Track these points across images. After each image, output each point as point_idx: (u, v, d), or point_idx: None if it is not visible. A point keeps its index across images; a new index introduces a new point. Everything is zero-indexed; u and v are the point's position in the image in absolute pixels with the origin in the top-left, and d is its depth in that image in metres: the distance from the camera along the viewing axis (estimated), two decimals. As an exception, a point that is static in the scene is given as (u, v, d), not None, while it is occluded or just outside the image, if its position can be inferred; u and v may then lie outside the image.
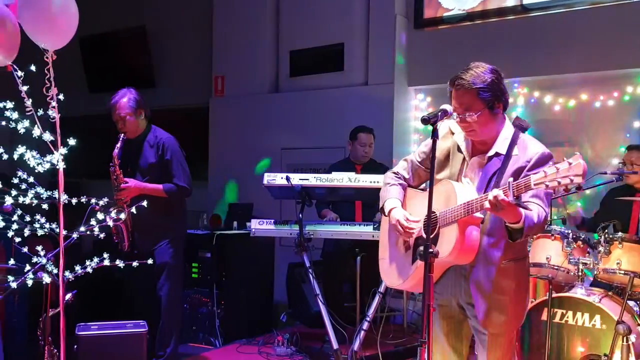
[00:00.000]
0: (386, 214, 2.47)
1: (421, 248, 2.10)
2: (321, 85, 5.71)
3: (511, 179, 2.02)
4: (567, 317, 3.34)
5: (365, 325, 3.78)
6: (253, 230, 4.11)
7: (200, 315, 4.82)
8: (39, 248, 2.61)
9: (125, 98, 3.75)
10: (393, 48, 5.36)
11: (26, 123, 2.31)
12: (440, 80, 5.11)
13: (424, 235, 2.21)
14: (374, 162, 4.72)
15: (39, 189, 2.44)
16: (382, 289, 3.79)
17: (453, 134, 2.39)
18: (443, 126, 2.38)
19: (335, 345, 3.72)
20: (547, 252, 3.53)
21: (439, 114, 2.19)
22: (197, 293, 4.88)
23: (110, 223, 2.65)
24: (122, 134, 3.71)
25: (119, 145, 3.65)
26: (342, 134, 4.94)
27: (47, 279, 2.36)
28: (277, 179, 3.97)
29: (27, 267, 2.38)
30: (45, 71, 2.30)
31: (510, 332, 2.37)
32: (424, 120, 2.17)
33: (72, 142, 2.34)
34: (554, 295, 3.37)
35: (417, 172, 2.56)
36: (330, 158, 5.12)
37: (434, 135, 2.17)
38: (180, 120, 6.39)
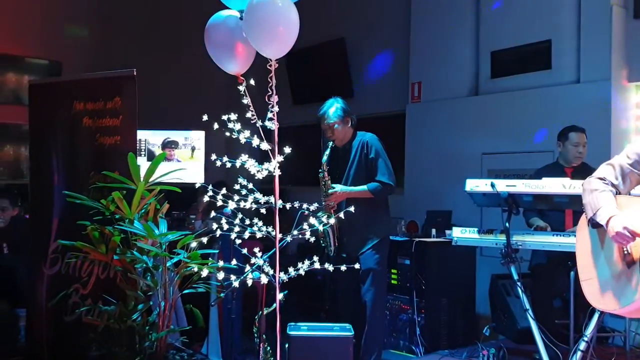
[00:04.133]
0: (603, 224, 2.19)
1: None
2: (526, 86, 5.38)
3: None
4: None
5: (583, 346, 3.45)
6: (455, 239, 3.99)
7: (400, 322, 4.81)
8: (256, 250, 2.77)
9: (333, 108, 3.88)
10: (609, 41, 4.86)
11: (247, 133, 2.47)
12: (666, 74, 4.62)
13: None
14: (587, 166, 4.30)
15: (258, 195, 2.59)
16: (602, 307, 3.42)
17: None
18: None
19: (547, 365, 3.45)
20: None
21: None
22: (397, 300, 4.87)
23: (321, 227, 2.72)
24: (331, 142, 3.83)
25: (327, 152, 3.78)
26: (550, 137, 4.59)
27: (264, 279, 2.50)
28: (481, 185, 3.80)
29: (247, 268, 2.53)
30: (268, 79, 2.44)
31: None
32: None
33: (287, 150, 2.45)
34: None
35: (628, 176, 2.25)
36: (537, 163, 4.78)
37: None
38: (377, 127, 6.45)
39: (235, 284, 2.49)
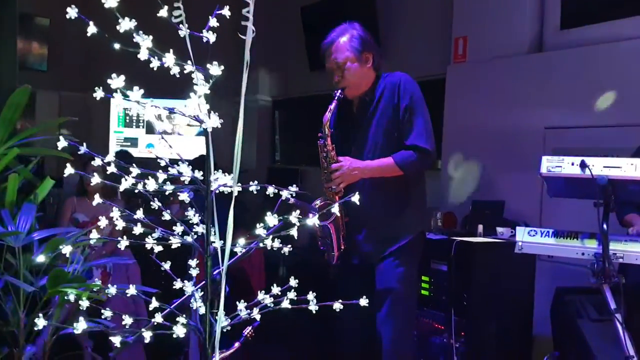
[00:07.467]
0: None
1: None
2: (611, 37, 4.06)
3: None
4: None
5: None
6: (519, 244, 2.70)
7: (432, 347, 3.70)
8: (192, 263, 1.60)
9: (346, 36, 2.62)
10: None
11: (148, 42, 1.25)
12: None
13: None
14: None
15: (183, 167, 1.40)
16: None
17: None
18: None
19: None
20: None
21: None
22: (428, 317, 3.75)
23: (316, 222, 1.52)
24: (339, 90, 2.59)
25: (332, 106, 2.54)
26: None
27: (179, 331, 1.28)
28: (566, 165, 2.51)
29: (153, 304, 1.33)
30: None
31: None
32: None
33: (217, 70, 1.23)
34: None
35: None
36: (626, 141, 3.51)
37: None
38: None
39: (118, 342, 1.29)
